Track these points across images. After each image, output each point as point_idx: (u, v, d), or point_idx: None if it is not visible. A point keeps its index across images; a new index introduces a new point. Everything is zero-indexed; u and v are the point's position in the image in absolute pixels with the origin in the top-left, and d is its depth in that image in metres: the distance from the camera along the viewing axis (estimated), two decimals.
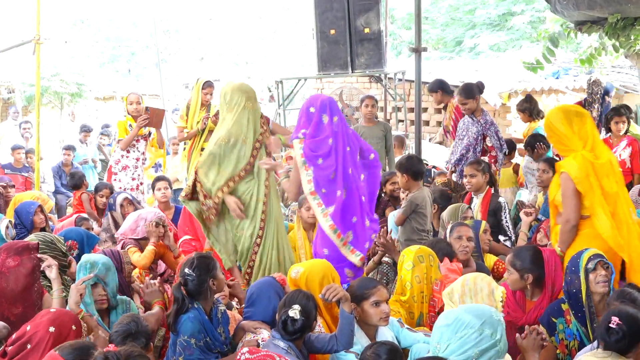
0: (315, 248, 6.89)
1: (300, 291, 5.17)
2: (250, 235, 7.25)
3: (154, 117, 10.54)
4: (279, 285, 5.83)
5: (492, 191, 8.65)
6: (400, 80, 14.29)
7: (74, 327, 4.78)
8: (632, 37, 11.94)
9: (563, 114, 6.35)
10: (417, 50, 11.20)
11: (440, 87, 10.84)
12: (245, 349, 4.08)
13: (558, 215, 6.42)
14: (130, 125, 10.59)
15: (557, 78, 16.91)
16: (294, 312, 4.88)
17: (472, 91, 9.69)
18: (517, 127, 16.02)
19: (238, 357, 3.99)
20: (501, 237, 8.22)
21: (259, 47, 36.77)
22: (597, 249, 5.79)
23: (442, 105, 11.16)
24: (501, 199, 8.59)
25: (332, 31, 12.76)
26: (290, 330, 4.90)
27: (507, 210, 8.52)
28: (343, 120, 6.78)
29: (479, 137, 9.60)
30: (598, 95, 11.13)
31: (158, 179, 9.60)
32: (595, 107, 11.09)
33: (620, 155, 10.13)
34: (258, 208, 7.25)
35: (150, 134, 10.76)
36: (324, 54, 12.89)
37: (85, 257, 5.93)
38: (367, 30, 12.80)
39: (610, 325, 4.40)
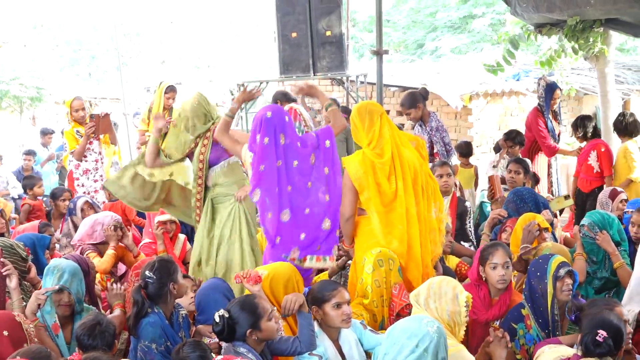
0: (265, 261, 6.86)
1: (245, 297, 5.13)
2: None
3: (100, 124, 10.42)
4: (226, 287, 5.82)
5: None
6: (362, 83, 14.28)
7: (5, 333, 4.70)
8: (591, 40, 12.05)
9: (357, 109, 6.50)
10: (379, 53, 11.20)
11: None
12: (219, 357, 4.07)
13: None
14: (78, 132, 10.46)
15: (517, 80, 17.02)
16: (216, 315, 4.87)
17: (415, 100, 9.59)
18: (478, 129, 16.10)
19: None
20: (464, 243, 8.25)
21: (220, 51, 36.70)
22: (379, 245, 6.11)
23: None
24: (467, 203, 8.62)
25: (294, 34, 12.73)
26: (216, 332, 4.91)
27: (471, 215, 8.56)
28: (287, 137, 6.68)
29: (429, 145, 9.56)
30: (542, 90, 11.18)
31: None
32: (543, 105, 11.14)
33: (587, 160, 10.20)
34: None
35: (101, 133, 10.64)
36: (286, 57, 12.87)
37: (54, 262, 5.92)
38: (328, 33, 12.79)
39: (597, 338, 4.45)
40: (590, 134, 10.40)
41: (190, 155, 7.52)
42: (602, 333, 4.46)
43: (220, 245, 7.31)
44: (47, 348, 4.47)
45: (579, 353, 4.60)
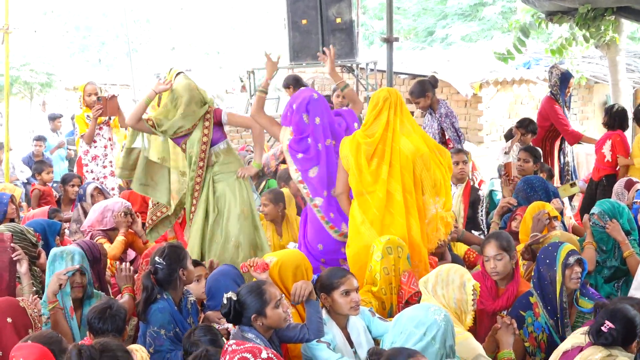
0: (308, 243, 6.92)
1: (255, 282, 5.14)
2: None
3: (108, 106, 10.39)
4: (236, 273, 5.81)
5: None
6: (372, 70, 14.25)
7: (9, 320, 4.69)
8: (602, 28, 12.02)
9: (373, 94, 6.66)
10: (389, 41, 11.17)
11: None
12: (231, 341, 4.08)
13: None
14: (88, 116, 10.46)
15: (528, 68, 16.95)
16: (225, 297, 4.88)
17: (424, 89, 9.57)
18: (488, 118, 16.06)
19: (225, 348, 3.98)
20: (474, 232, 8.24)
21: (230, 37, 36.61)
22: (355, 226, 6.32)
23: None
24: (480, 192, 8.60)
25: (304, 21, 12.70)
26: (222, 313, 4.93)
27: (484, 204, 8.56)
28: (327, 118, 6.83)
29: (439, 132, 9.55)
30: (556, 79, 11.10)
31: None
32: (558, 95, 11.08)
33: (602, 148, 10.13)
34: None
35: (110, 118, 10.63)
36: (296, 44, 12.84)
37: (59, 248, 5.92)
38: (338, 20, 12.75)
39: (602, 328, 4.43)
40: (615, 124, 10.23)
41: (179, 137, 7.41)
42: (608, 324, 4.45)
43: (229, 220, 7.29)
44: (58, 333, 4.47)
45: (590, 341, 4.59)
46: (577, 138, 10.97)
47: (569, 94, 11.15)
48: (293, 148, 6.77)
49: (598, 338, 4.45)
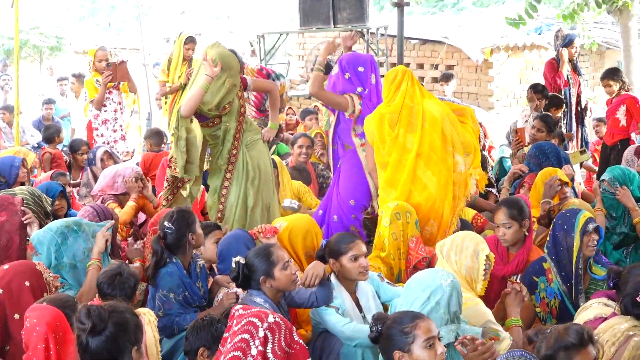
0: (341, 200, 6.94)
1: (262, 245, 5.15)
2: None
3: (117, 72, 10.36)
4: (248, 237, 5.81)
5: None
6: (382, 35, 14.20)
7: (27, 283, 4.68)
8: None
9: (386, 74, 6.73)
10: (400, 5, 11.13)
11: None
12: (238, 306, 4.08)
13: None
14: (98, 81, 10.43)
15: (539, 34, 16.88)
16: (233, 261, 4.89)
17: None
18: (498, 83, 16.01)
19: (232, 312, 3.98)
20: (487, 188, 8.28)
21: (240, 1, 36.45)
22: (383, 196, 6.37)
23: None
24: (484, 153, 8.62)
25: None
26: (232, 278, 4.94)
27: (494, 168, 8.60)
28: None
29: None
30: (562, 40, 11.09)
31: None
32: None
33: (615, 113, 10.11)
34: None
35: (119, 82, 10.60)
36: (306, 8, 12.80)
37: (64, 219, 5.85)
38: None
39: (638, 299, 4.38)
40: (623, 88, 10.22)
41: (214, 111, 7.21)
42: None
43: (266, 184, 7.17)
44: (74, 297, 4.48)
45: (618, 312, 4.52)
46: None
47: (576, 55, 11.12)
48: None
49: (634, 309, 4.35)
